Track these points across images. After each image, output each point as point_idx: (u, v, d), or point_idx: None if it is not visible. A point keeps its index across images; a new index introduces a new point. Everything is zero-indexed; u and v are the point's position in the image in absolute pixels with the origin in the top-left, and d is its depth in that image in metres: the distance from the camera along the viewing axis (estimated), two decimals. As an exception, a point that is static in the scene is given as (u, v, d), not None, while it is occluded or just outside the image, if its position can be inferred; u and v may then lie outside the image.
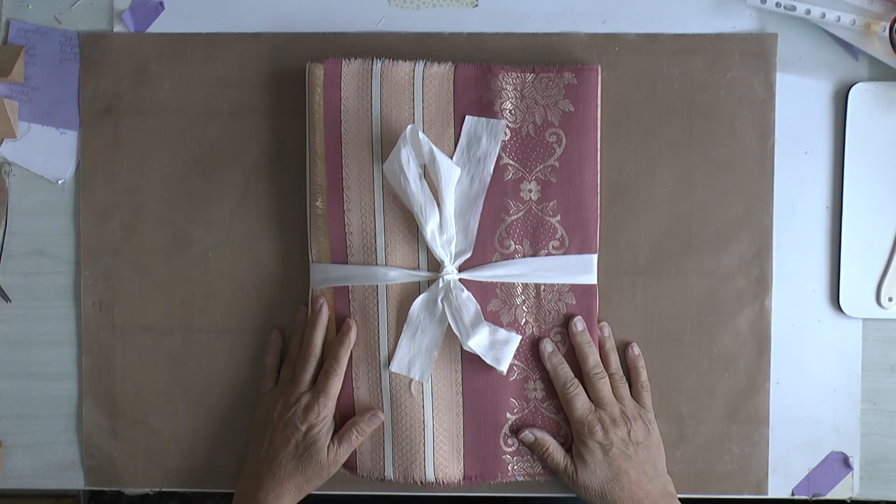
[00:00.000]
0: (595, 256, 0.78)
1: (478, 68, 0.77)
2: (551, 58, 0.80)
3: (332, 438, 0.77)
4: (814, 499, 0.82)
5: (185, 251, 0.82)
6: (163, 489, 0.84)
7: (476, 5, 0.81)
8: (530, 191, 0.77)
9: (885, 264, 0.80)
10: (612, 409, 0.77)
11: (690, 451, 0.81)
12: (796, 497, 0.82)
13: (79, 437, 0.83)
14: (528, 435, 0.78)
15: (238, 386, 0.82)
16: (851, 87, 0.80)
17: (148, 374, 0.82)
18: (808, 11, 0.78)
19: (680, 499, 0.81)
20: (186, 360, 0.82)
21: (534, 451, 0.78)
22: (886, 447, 0.81)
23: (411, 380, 0.78)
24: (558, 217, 0.77)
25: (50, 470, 0.83)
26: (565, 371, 0.77)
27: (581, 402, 0.77)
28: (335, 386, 0.77)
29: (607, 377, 0.78)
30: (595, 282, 0.78)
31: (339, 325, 0.78)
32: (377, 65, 0.77)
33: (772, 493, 0.81)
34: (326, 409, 0.76)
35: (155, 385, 0.82)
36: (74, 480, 0.83)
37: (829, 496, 0.82)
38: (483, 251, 0.77)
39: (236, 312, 0.81)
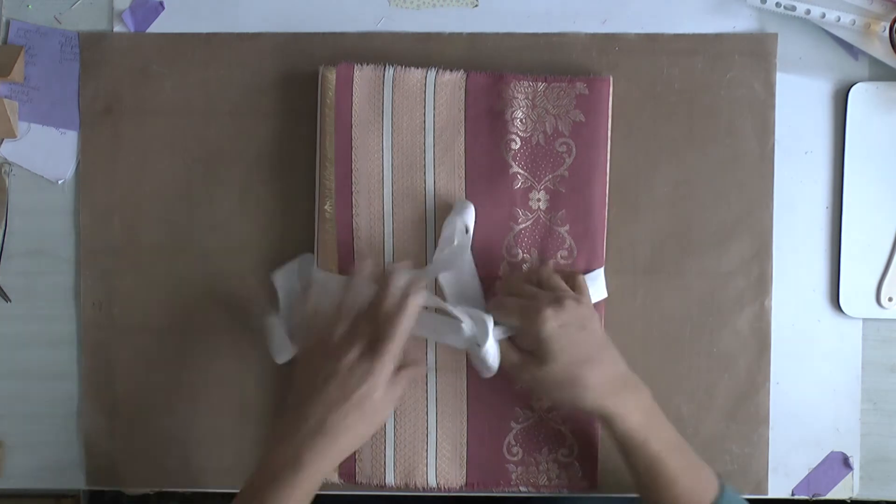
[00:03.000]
0: (602, 270, 0.78)
1: (489, 76, 0.77)
2: (551, 58, 0.79)
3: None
4: (814, 499, 0.82)
5: (185, 251, 0.82)
6: (163, 489, 0.84)
7: (476, 5, 0.81)
8: (539, 200, 0.77)
9: (885, 264, 0.80)
10: (556, 294, 0.72)
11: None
12: (796, 497, 0.82)
13: (79, 437, 0.83)
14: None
15: (238, 386, 0.82)
16: (851, 87, 0.80)
17: (148, 374, 0.82)
18: (808, 11, 0.78)
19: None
20: (186, 360, 0.82)
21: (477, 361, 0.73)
22: (886, 447, 0.81)
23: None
24: (567, 227, 0.77)
25: (50, 470, 0.83)
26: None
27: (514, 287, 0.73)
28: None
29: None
30: (605, 295, 0.78)
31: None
32: (389, 71, 0.77)
33: (772, 493, 0.81)
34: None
35: (155, 385, 0.82)
36: (74, 480, 0.83)
37: (829, 496, 0.82)
38: (491, 260, 0.77)
39: (236, 312, 0.81)
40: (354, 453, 0.78)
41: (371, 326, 0.70)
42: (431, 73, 0.77)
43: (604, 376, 0.70)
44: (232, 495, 0.78)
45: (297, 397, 0.70)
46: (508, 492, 0.80)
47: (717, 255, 0.80)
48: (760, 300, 0.80)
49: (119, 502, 1.21)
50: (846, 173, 0.80)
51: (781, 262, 0.81)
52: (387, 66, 0.78)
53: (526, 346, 0.72)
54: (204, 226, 0.81)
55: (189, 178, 0.81)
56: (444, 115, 0.77)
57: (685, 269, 0.80)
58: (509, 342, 0.73)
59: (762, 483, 0.81)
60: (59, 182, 0.82)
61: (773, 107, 0.80)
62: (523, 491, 0.79)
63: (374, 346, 0.69)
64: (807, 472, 0.82)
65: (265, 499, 0.66)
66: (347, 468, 0.79)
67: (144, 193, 0.82)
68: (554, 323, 0.69)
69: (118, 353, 0.82)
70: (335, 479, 0.79)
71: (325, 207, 0.78)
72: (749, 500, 0.82)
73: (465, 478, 0.79)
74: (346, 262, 0.78)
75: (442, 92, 0.77)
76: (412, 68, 0.78)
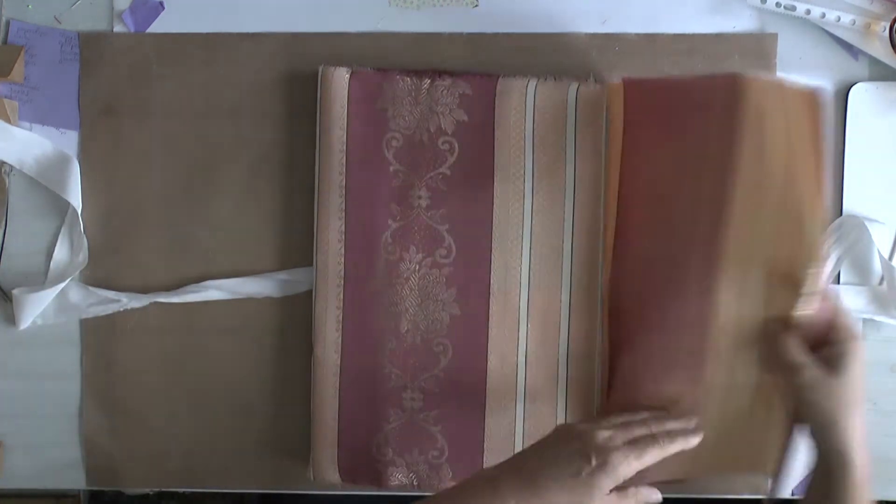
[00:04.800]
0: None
1: (376, 74, 0.78)
2: (551, 58, 0.79)
3: None
4: (814, 499, 0.82)
5: (185, 251, 0.82)
6: (163, 489, 0.84)
7: (476, 5, 0.81)
8: (420, 197, 0.78)
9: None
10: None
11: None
12: (796, 497, 0.82)
13: (79, 438, 0.83)
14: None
15: (238, 386, 0.82)
16: (851, 87, 0.80)
17: (148, 374, 0.82)
18: (808, 11, 0.78)
19: (680, 499, 0.81)
20: (186, 360, 0.82)
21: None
22: (886, 447, 0.81)
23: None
24: (447, 226, 0.77)
25: (50, 470, 0.83)
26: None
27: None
28: None
29: None
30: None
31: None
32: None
33: (772, 493, 0.81)
34: None
35: (155, 385, 0.82)
36: (75, 480, 0.83)
37: (829, 496, 0.82)
38: (369, 254, 0.78)
39: (236, 312, 0.81)
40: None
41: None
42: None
43: (862, 420, 0.69)
44: (232, 495, 0.78)
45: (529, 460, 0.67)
46: (381, 487, 0.80)
47: (717, 255, 0.80)
48: (760, 300, 0.80)
49: (119, 502, 1.21)
50: (846, 173, 0.80)
51: (781, 262, 0.81)
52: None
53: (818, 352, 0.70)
54: (204, 225, 0.81)
55: (189, 178, 0.81)
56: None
57: (685, 269, 0.80)
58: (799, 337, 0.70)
59: (762, 483, 0.81)
60: (59, 182, 0.82)
61: (773, 107, 0.80)
62: (394, 485, 0.79)
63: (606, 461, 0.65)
64: (807, 472, 0.81)
65: None
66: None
67: (144, 193, 0.82)
68: (861, 350, 0.68)
69: (118, 353, 0.82)
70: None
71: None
72: (749, 500, 0.82)
73: (338, 474, 0.80)
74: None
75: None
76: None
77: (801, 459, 0.82)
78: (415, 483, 0.79)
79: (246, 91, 0.81)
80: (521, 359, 0.78)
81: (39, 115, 0.82)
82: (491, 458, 0.78)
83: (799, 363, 0.68)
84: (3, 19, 0.82)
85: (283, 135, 0.81)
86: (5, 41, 0.82)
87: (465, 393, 0.78)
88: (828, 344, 0.69)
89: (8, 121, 0.80)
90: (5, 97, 0.81)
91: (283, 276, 0.81)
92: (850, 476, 0.68)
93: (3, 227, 0.82)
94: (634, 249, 0.76)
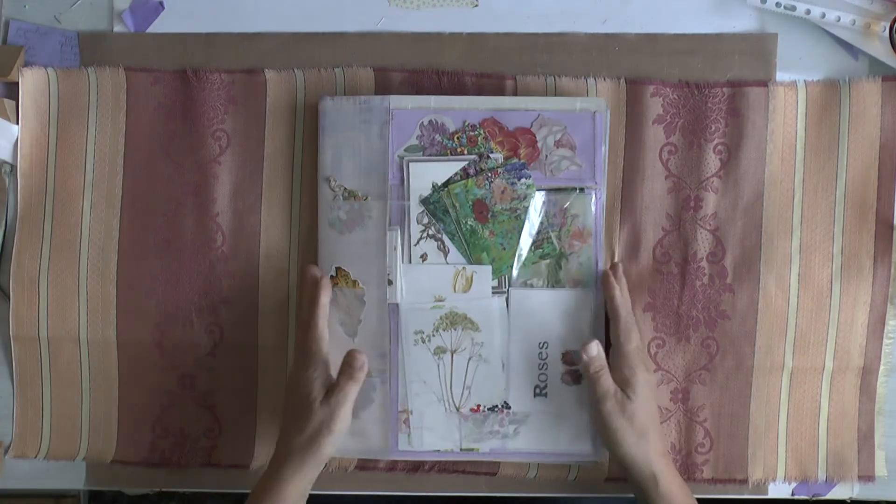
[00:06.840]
0: None
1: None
2: (551, 58, 0.80)
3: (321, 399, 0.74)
4: (814, 499, 0.82)
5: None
6: (163, 489, 0.84)
7: (476, 5, 0.81)
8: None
9: (885, 264, 0.80)
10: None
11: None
12: (796, 497, 0.82)
13: (79, 437, 0.83)
14: (588, 349, 0.76)
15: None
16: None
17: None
18: (808, 11, 0.78)
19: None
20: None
21: (583, 370, 0.76)
22: (887, 447, 0.81)
23: None
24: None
25: (50, 470, 0.83)
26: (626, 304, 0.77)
27: (636, 336, 0.75)
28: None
29: None
30: None
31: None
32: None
33: (772, 494, 0.81)
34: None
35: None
36: (74, 480, 0.83)
37: (829, 496, 0.82)
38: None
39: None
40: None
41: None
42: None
43: (659, 437, 0.75)
44: (231, 495, 0.78)
45: None
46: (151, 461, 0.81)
47: (717, 255, 0.80)
48: (760, 300, 0.80)
49: (119, 502, 1.21)
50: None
51: (781, 262, 0.81)
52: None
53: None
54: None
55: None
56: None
57: (685, 269, 0.81)
58: (608, 371, 0.75)
59: (762, 483, 0.81)
60: (59, 182, 0.82)
61: (773, 107, 0.80)
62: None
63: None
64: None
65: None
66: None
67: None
68: (645, 371, 0.75)
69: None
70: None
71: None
72: (749, 500, 0.82)
73: (114, 453, 0.81)
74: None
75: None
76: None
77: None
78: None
79: (246, 91, 0.81)
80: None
81: (39, 115, 0.82)
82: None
83: (605, 390, 0.74)
84: (3, 19, 0.82)
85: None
86: (5, 41, 0.82)
87: None
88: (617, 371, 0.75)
89: (8, 120, 0.80)
90: (5, 97, 0.81)
91: None
92: (658, 487, 0.73)
93: (3, 227, 0.82)
94: None
